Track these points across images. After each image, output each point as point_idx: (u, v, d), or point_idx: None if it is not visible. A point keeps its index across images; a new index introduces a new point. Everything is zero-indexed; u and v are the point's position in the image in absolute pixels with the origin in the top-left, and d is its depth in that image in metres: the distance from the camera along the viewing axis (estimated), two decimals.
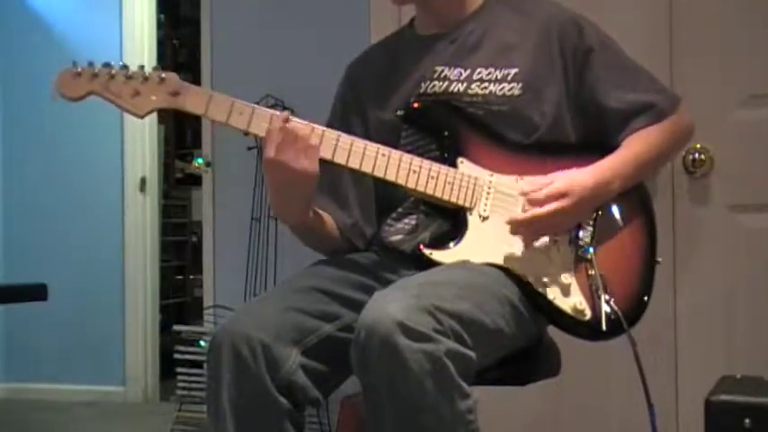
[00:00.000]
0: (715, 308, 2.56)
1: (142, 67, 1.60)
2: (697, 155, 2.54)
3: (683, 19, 2.58)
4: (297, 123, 1.59)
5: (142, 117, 1.61)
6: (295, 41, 3.27)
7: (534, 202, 1.63)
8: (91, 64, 1.59)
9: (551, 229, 1.65)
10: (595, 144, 1.77)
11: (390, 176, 1.63)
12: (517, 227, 1.63)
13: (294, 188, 1.62)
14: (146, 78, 1.58)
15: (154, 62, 4.96)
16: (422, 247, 1.64)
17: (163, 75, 1.59)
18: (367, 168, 1.62)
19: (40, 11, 5.01)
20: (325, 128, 1.62)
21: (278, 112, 1.61)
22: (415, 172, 1.63)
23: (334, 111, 1.90)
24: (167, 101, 1.59)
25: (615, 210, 1.73)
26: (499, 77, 1.73)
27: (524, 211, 1.64)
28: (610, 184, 1.68)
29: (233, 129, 1.60)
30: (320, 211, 1.78)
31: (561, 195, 1.62)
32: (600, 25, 1.82)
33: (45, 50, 4.81)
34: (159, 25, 5.26)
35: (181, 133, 6.24)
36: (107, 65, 1.59)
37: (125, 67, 1.59)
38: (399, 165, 1.63)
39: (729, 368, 1.85)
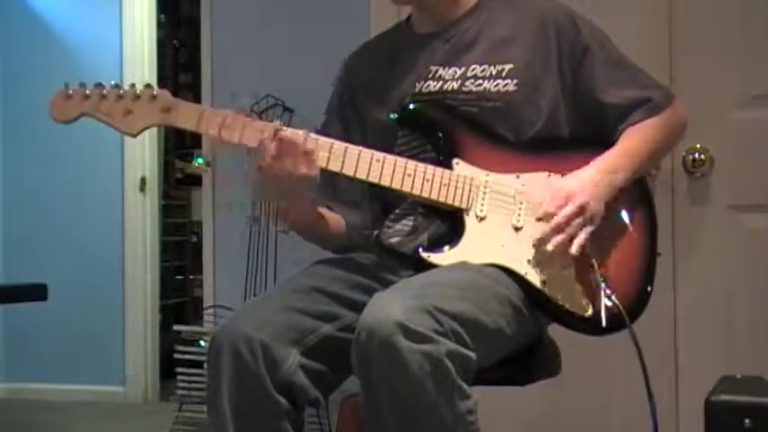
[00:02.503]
0: (715, 308, 2.56)
1: (133, 86, 1.61)
2: (697, 155, 2.54)
3: (682, 19, 2.58)
4: (289, 131, 1.60)
5: (135, 136, 1.63)
6: (295, 41, 3.27)
7: (548, 216, 1.62)
8: (82, 85, 1.61)
9: (581, 227, 1.63)
10: (593, 139, 1.77)
11: (385, 182, 1.63)
12: (546, 243, 1.61)
13: (295, 195, 1.64)
14: (137, 96, 1.60)
15: (154, 62, 4.95)
16: (420, 251, 1.63)
17: (154, 92, 1.61)
18: (362, 175, 1.62)
19: (41, 11, 5.00)
20: (318, 135, 1.62)
21: (271, 123, 1.62)
22: (409, 176, 1.63)
23: (330, 107, 1.89)
24: (159, 118, 1.61)
25: (615, 205, 1.73)
26: (494, 74, 1.73)
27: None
28: (614, 173, 1.68)
29: (226, 143, 1.60)
30: (324, 211, 1.78)
31: (568, 198, 1.62)
32: (600, 25, 1.82)
33: (45, 50, 4.80)
34: (159, 25, 5.25)
35: (181, 133, 6.23)
36: (99, 85, 1.61)
37: (117, 86, 1.61)
38: (394, 169, 1.62)
39: (729, 368, 1.84)
